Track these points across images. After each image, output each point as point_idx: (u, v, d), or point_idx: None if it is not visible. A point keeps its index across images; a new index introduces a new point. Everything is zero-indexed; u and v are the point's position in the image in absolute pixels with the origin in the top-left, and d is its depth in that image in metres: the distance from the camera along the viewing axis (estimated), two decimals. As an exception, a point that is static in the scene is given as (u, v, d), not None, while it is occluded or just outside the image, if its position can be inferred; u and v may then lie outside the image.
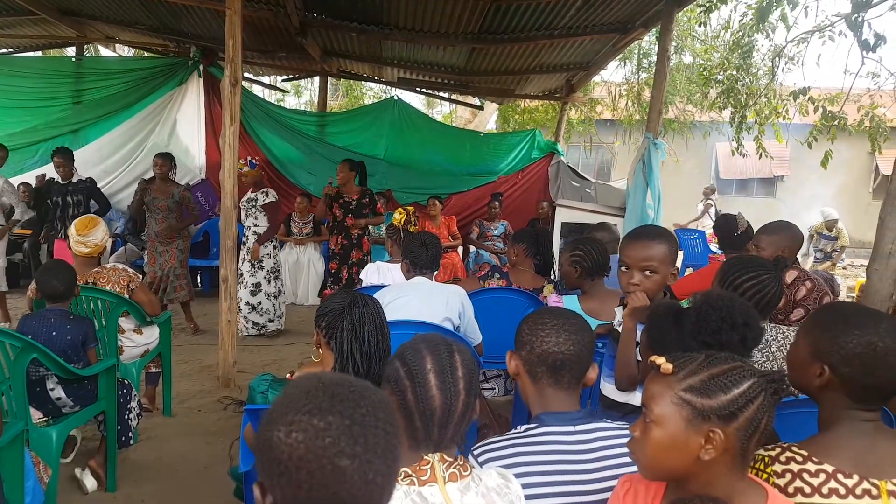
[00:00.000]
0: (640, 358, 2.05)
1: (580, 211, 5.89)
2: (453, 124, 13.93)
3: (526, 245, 3.74)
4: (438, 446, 1.32)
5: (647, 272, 2.09)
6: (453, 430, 1.35)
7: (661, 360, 1.25)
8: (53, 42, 8.91)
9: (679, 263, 2.35)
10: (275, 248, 6.18)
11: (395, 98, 9.44)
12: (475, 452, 1.50)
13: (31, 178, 7.63)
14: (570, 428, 1.50)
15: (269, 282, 6.06)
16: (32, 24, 8.08)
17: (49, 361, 2.66)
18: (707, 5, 7.00)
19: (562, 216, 5.88)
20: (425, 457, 1.30)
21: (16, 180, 7.52)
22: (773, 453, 1.39)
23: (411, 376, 1.35)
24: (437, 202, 7.83)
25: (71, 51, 9.64)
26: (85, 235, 3.50)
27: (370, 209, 6.16)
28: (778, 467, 1.37)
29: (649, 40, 10.91)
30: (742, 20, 8.05)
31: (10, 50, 9.18)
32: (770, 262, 2.18)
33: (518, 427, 1.54)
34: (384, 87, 12.54)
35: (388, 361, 1.48)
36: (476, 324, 3.17)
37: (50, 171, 6.95)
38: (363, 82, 15.87)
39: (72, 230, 3.54)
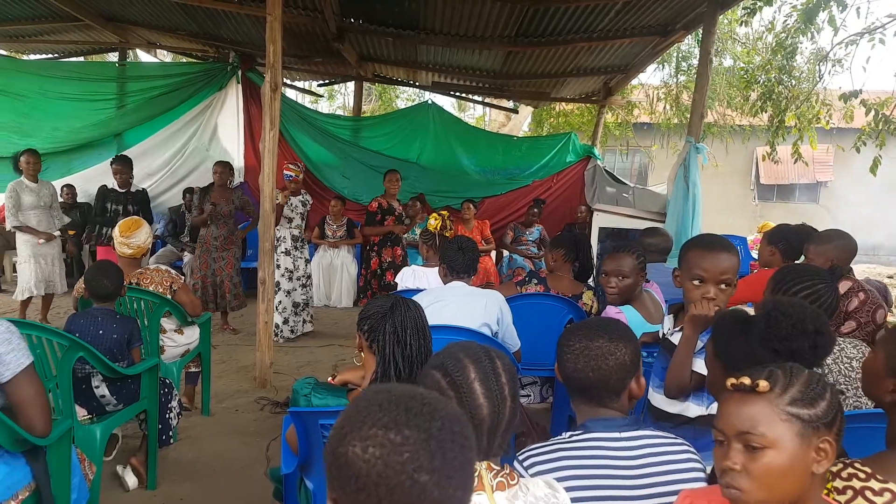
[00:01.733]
0: (699, 368, 2.01)
1: (618, 215, 5.80)
2: (486, 128, 13.89)
3: (564, 250, 3.69)
4: (486, 455, 1.31)
5: (724, 285, 2.05)
6: (501, 438, 1.34)
7: (747, 380, 1.19)
8: (96, 47, 9.12)
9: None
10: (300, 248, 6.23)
11: (430, 102, 9.45)
12: (520, 458, 1.48)
13: (74, 180, 7.80)
14: (616, 434, 1.48)
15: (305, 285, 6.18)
16: (77, 30, 8.30)
17: (95, 360, 2.70)
18: (751, 7, 6.87)
19: (599, 221, 5.79)
20: None
21: (62, 181, 7.73)
22: (833, 469, 1.34)
23: (455, 387, 1.33)
24: (470, 206, 7.80)
25: (113, 56, 9.87)
26: (128, 237, 3.57)
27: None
28: (839, 483, 1.32)
29: (689, 43, 10.75)
30: (786, 21, 7.88)
31: (55, 55, 9.43)
32: (825, 272, 2.11)
33: (563, 433, 1.52)
34: (417, 90, 12.57)
35: (423, 372, 1.45)
36: (514, 330, 3.13)
37: (97, 174, 7.08)
38: (396, 86, 15.96)
39: (116, 232, 3.60)
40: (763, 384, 1.17)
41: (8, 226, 5.92)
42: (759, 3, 6.97)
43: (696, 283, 2.07)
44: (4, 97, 7.68)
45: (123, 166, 6.20)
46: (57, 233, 6.00)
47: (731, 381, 1.21)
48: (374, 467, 0.81)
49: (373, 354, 1.90)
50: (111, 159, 6.44)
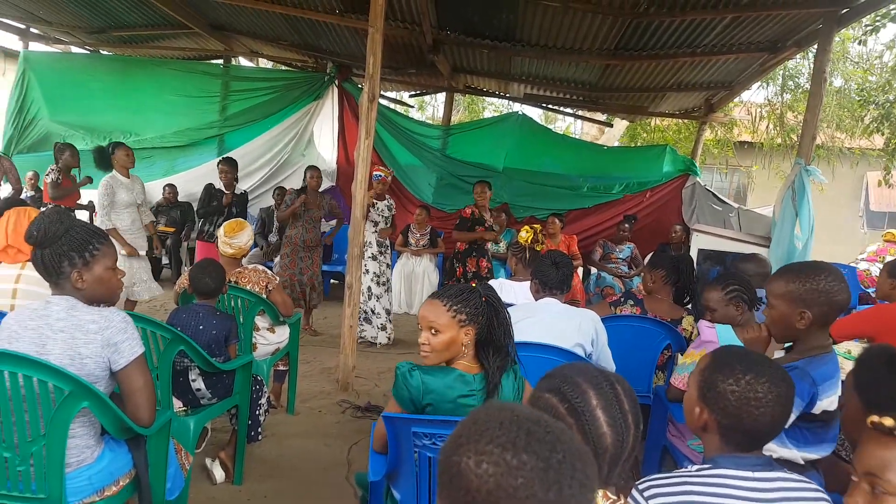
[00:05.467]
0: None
1: (720, 238, 5.49)
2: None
3: (665, 271, 3.53)
4: (605, 483, 1.25)
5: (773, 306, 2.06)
6: (621, 467, 1.27)
7: (890, 422, 1.10)
8: (202, 55, 9.59)
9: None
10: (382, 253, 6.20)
11: (520, 113, 9.36)
12: (640, 488, 1.40)
13: (176, 180, 8.17)
14: (749, 474, 1.38)
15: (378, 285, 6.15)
16: (185, 37, 8.73)
17: (194, 354, 2.77)
18: (872, 25, 6.45)
19: (699, 242, 5.51)
20: None
21: (165, 181, 8.14)
22: None
23: (576, 413, 1.25)
24: (556, 220, 7.60)
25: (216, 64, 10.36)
26: (231, 237, 3.68)
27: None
28: None
29: (796, 60, 10.23)
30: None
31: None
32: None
33: (689, 466, 1.46)
34: (505, 103, 12.44)
35: (535, 397, 1.38)
36: (609, 352, 3.00)
37: (198, 175, 7.38)
38: (484, 99, 15.94)
39: (220, 231, 3.73)
40: None
41: (99, 225, 5.30)
42: (881, 21, 6.53)
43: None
44: (120, 97, 8.18)
45: (230, 167, 6.45)
46: (143, 240, 5.53)
47: (873, 419, 1.14)
48: (484, 484, 0.79)
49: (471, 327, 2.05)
50: (219, 160, 6.69)
